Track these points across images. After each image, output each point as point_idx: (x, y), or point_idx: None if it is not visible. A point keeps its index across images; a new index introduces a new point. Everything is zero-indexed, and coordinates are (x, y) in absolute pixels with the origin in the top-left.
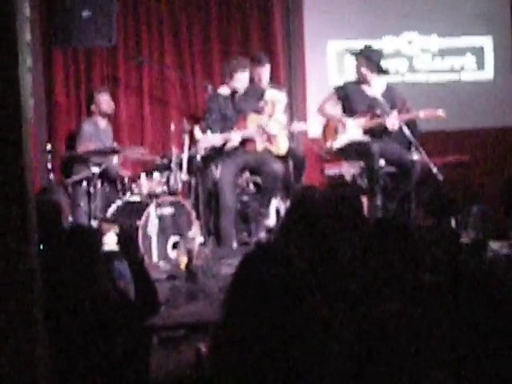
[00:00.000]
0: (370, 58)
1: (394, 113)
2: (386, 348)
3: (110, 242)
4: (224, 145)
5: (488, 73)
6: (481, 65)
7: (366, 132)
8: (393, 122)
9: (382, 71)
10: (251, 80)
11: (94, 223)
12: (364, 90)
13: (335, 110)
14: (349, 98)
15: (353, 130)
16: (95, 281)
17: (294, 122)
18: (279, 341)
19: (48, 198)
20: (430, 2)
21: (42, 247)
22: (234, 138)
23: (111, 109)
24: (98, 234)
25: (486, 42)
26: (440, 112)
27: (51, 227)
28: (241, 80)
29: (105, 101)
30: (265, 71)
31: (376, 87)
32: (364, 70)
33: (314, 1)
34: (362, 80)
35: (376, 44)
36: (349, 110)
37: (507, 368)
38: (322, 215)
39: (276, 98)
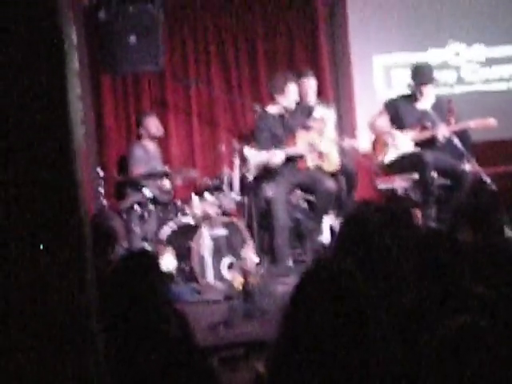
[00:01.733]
0: (422, 75)
1: (443, 124)
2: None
3: (166, 264)
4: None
5: None
6: None
7: (416, 144)
8: (443, 132)
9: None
10: (299, 97)
11: (148, 246)
12: (414, 104)
13: (386, 124)
14: (399, 113)
15: (403, 143)
16: (155, 304)
17: (343, 137)
18: (339, 358)
19: (102, 224)
20: (475, 12)
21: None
22: (278, 155)
23: (160, 132)
24: (155, 256)
25: None
26: (491, 121)
27: (106, 252)
28: (292, 92)
29: (153, 124)
30: (310, 84)
31: (426, 100)
32: (416, 87)
33: (358, 16)
34: (413, 95)
35: (422, 56)
36: (399, 124)
37: None
38: (376, 230)
39: (325, 114)
